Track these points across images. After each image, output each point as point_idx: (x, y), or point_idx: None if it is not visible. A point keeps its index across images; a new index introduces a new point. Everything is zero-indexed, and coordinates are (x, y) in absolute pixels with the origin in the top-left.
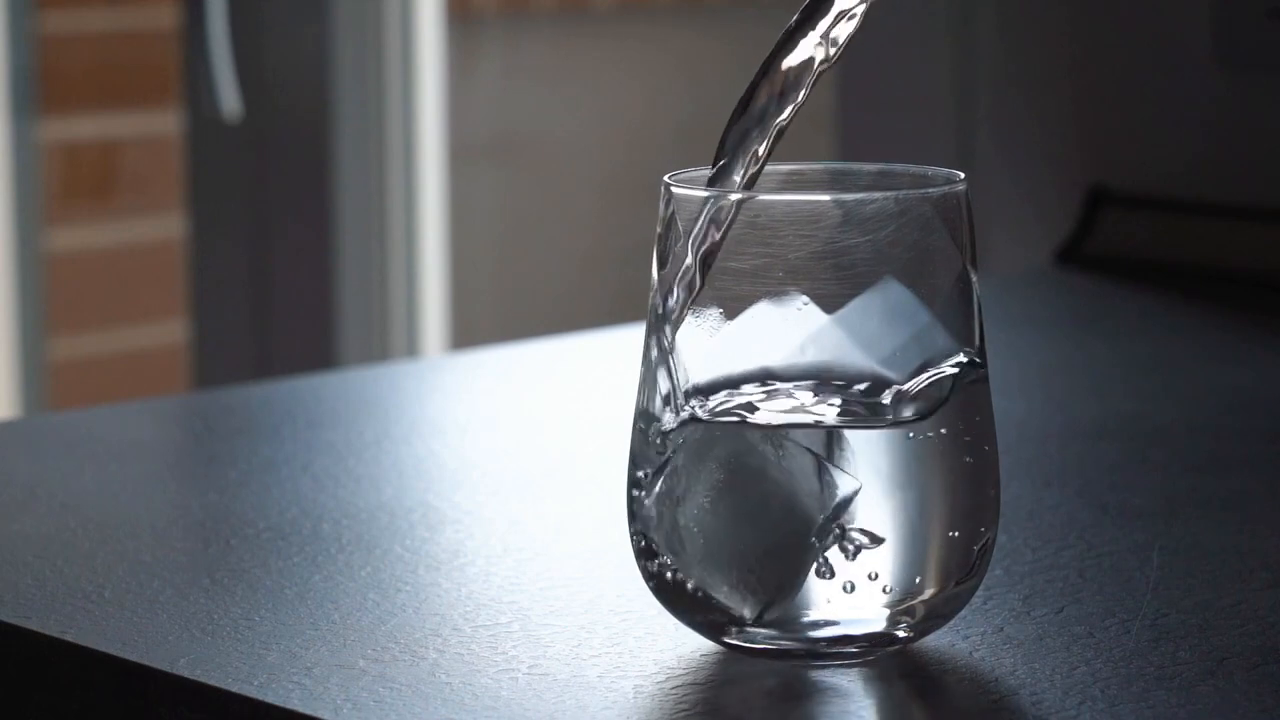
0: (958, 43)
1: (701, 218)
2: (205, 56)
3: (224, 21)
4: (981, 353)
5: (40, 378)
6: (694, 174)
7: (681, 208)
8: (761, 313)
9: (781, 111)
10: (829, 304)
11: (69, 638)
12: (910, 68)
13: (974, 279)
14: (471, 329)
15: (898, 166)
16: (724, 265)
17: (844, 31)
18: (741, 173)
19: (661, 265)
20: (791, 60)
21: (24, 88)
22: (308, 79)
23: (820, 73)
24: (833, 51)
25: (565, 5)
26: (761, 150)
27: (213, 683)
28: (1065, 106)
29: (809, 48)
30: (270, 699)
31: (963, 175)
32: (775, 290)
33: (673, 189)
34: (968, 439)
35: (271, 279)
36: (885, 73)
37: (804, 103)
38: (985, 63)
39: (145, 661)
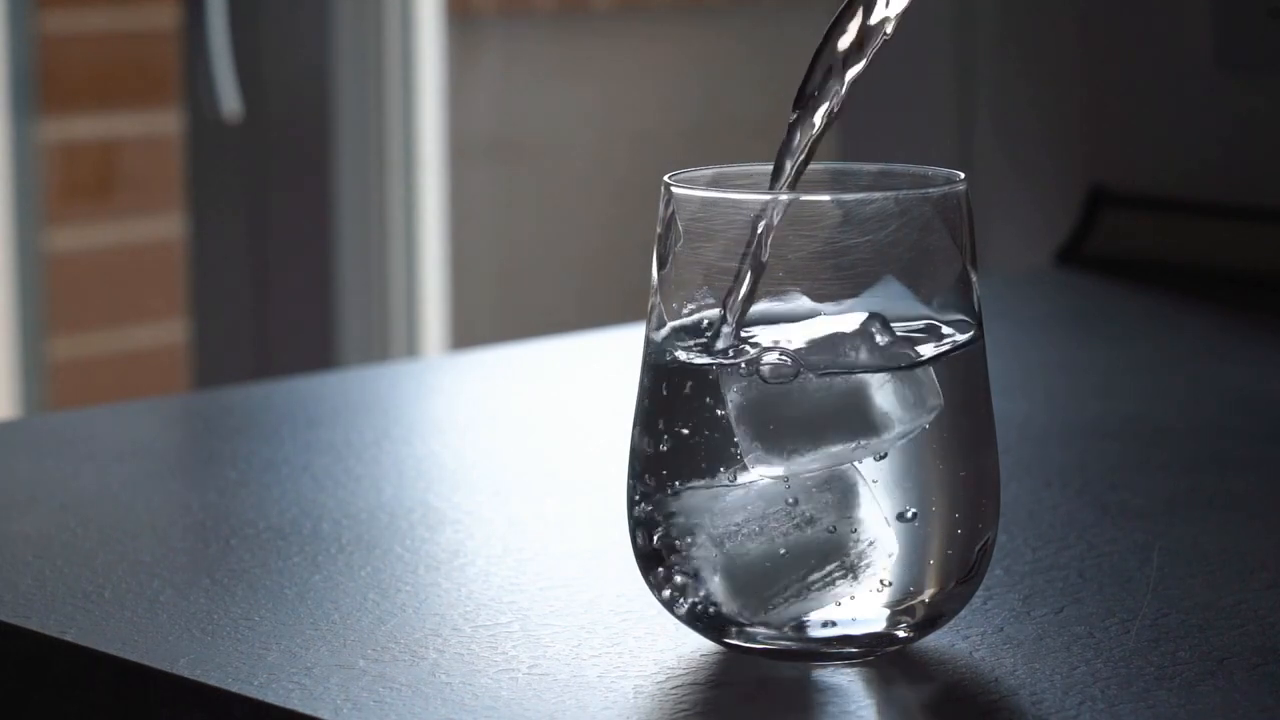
0: (958, 43)
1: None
2: (205, 56)
3: (224, 21)
4: (981, 351)
5: (40, 378)
6: (694, 174)
7: (681, 208)
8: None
9: (849, 70)
10: (829, 304)
11: (69, 638)
12: (910, 68)
13: (974, 279)
14: (471, 329)
15: (898, 166)
16: (723, 265)
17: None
18: (818, 128)
19: (661, 265)
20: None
21: (24, 88)
22: (308, 79)
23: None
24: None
25: (565, 5)
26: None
27: (213, 683)
28: (1065, 106)
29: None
30: (270, 699)
31: (963, 175)
32: (775, 290)
33: (673, 189)
34: (967, 436)
35: (271, 279)
36: (885, 73)
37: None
38: (985, 63)
39: (145, 661)
